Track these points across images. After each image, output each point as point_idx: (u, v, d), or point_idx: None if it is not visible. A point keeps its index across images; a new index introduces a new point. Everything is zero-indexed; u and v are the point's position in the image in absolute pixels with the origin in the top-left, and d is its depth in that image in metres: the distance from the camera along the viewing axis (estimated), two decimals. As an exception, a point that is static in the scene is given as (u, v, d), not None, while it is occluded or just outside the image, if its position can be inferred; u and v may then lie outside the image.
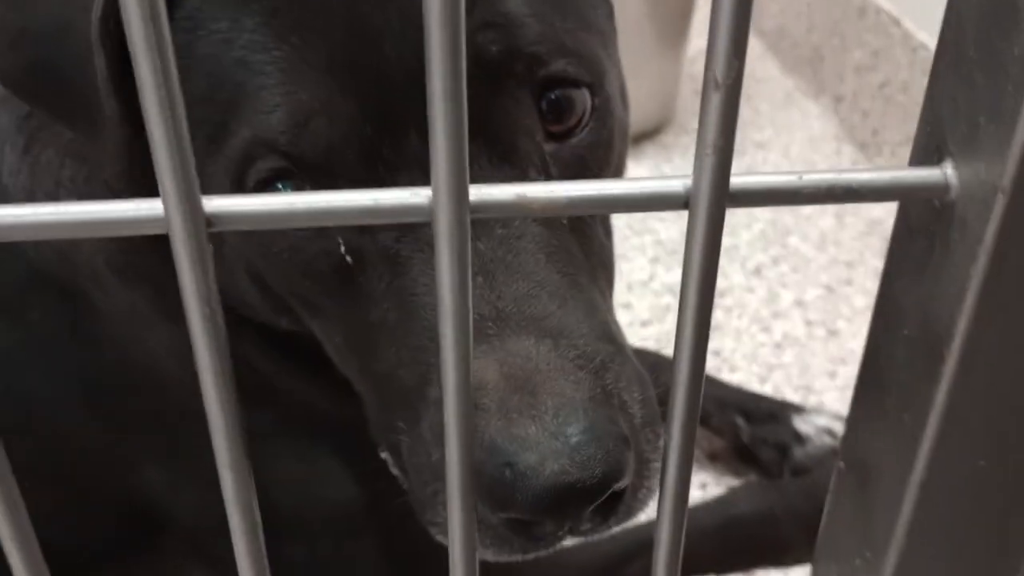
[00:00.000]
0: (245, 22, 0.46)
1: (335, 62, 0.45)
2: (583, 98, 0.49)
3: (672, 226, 1.25)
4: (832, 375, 1.02)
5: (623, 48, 0.58)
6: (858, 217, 1.26)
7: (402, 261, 0.47)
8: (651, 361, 0.93)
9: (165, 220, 0.26)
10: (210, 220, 0.27)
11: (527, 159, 0.48)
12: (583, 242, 0.51)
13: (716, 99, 0.24)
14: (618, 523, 0.46)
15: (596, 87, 0.50)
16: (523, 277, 0.46)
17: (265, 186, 0.46)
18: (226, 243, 0.52)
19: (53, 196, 0.58)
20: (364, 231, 0.48)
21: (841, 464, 0.37)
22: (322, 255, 0.49)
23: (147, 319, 0.60)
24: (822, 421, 0.88)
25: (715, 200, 0.27)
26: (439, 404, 0.47)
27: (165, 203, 0.26)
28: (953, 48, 0.27)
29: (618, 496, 0.44)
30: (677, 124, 1.47)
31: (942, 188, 0.28)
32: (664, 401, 0.32)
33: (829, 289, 1.15)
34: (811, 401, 0.97)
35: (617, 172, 0.55)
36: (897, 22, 1.32)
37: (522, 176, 0.48)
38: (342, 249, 0.48)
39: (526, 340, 0.45)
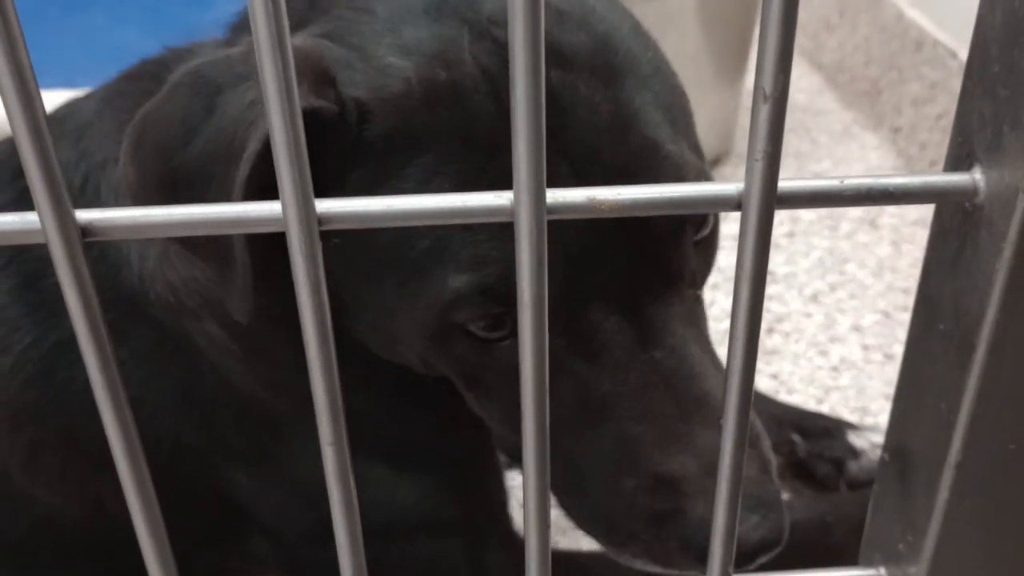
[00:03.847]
0: (440, 177, 0.51)
1: None
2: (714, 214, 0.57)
3: (731, 254, 1.28)
4: (888, 398, 1.03)
5: (682, 80, 0.62)
6: (915, 244, 1.27)
7: (594, 377, 0.55)
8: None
9: (283, 220, 0.30)
10: (321, 219, 0.31)
11: (687, 279, 0.56)
12: (704, 325, 0.59)
13: (765, 110, 0.28)
14: None
15: None
16: (694, 379, 0.55)
17: (477, 320, 0.53)
18: (401, 331, 0.57)
19: (144, 258, 0.63)
20: (561, 345, 0.54)
21: (885, 455, 0.40)
22: (512, 359, 0.54)
23: (244, 360, 0.64)
24: (876, 437, 0.90)
25: (765, 201, 0.30)
26: (641, 489, 0.55)
27: (284, 204, 0.30)
28: (980, 65, 0.30)
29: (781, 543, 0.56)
30: (736, 155, 1.50)
31: (971, 191, 0.31)
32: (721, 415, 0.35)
33: (886, 315, 1.16)
34: (867, 423, 0.99)
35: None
36: (954, 54, 1.34)
37: (680, 295, 0.56)
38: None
39: (708, 433, 0.54)
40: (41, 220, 0.29)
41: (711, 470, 0.53)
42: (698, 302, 0.58)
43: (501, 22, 0.53)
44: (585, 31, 0.54)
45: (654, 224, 0.53)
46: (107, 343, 0.31)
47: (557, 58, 0.52)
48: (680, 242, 0.55)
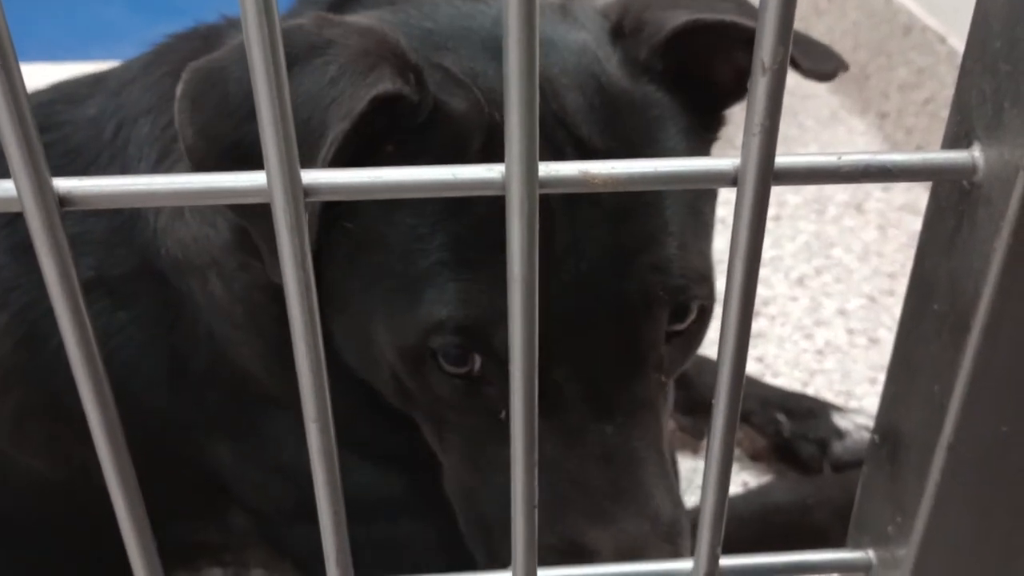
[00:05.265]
0: (458, 212, 0.52)
1: None
2: (697, 308, 0.58)
3: (719, 236, 1.27)
4: (873, 381, 1.03)
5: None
6: (901, 229, 1.27)
7: (545, 432, 0.54)
8: (696, 363, 0.96)
9: (268, 190, 0.30)
10: (307, 190, 0.30)
11: (652, 363, 0.56)
12: (665, 410, 0.59)
13: (763, 82, 0.27)
14: None
15: (708, 298, 0.58)
16: (634, 464, 0.56)
17: (447, 349, 0.54)
18: (383, 356, 0.57)
19: (178, 214, 0.62)
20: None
21: (875, 437, 0.39)
22: (477, 403, 0.56)
23: (242, 328, 0.64)
24: (861, 419, 0.90)
25: (761, 177, 0.30)
26: (549, 548, 0.56)
27: (269, 174, 0.29)
28: (980, 40, 0.30)
29: None
30: (725, 138, 1.49)
31: (970, 169, 0.30)
32: (709, 396, 0.35)
33: (871, 299, 1.16)
34: (851, 406, 0.99)
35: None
36: (943, 39, 1.34)
37: (646, 377, 0.56)
38: (502, 410, 0.55)
39: (633, 520, 0.55)
40: (17, 188, 0.28)
41: (623, 556, 0.54)
42: (662, 389, 0.58)
43: (557, 87, 0.54)
44: (611, 128, 0.54)
45: (629, 299, 0.54)
46: (85, 316, 0.31)
47: (576, 143, 0.53)
48: (652, 324, 0.55)
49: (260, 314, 0.63)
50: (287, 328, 0.31)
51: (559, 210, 0.52)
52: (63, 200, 0.29)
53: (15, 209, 0.29)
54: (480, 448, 0.58)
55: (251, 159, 0.50)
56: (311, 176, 0.30)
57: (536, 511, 0.36)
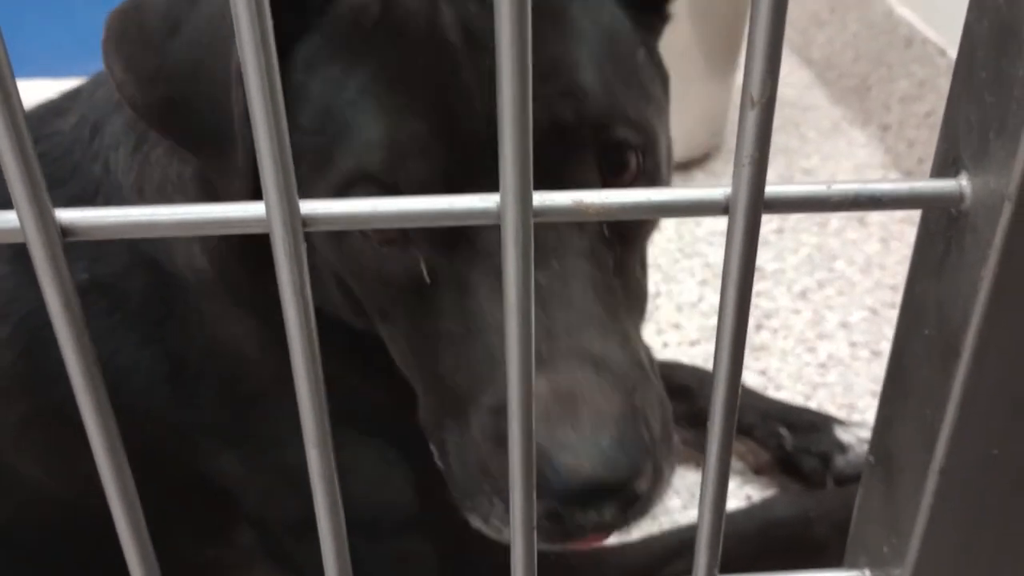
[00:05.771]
0: (357, 71, 0.52)
1: (432, 112, 0.51)
2: (636, 160, 0.56)
3: (720, 250, 1.28)
4: (875, 394, 1.04)
5: (673, 75, 0.63)
6: (903, 242, 1.28)
7: (472, 285, 0.53)
8: (698, 376, 0.96)
9: (267, 221, 0.30)
10: (305, 221, 0.31)
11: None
12: (623, 280, 0.57)
13: (752, 115, 0.28)
14: (634, 519, 0.53)
15: (648, 151, 0.56)
16: (573, 309, 0.53)
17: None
18: (317, 251, 0.57)
19: (162, 191, 0.64)
20: (444, 254, 0.53)
21: (871, 458, 0.40)
22: (403, 271, 0.55)
23: (234, 302, 0.65)
24: (863, 432, 0.91)
25: (752, 206, 0.30)
26: (491, 409, 0.52)
27: (268, 205, 0.30)
28: (967, 71, 0.30)
29: (636, 496, 0.51)
30: (726, 150, 1.50)
31: (957, 198, 0.31)
32: (707, 410, 0.35)
33: (874, 312, 1.17)
34: (854, 419, 0.99)
35: (654, 225, 0.62)
36: (943, 52, 1.34)
37: (578, 226, 0.54)
38: (423, 269, 0.54)
39: (572, 363, 0.51)
40: (20, 220, 0.29)
41: (562, 400, 0.50)
42: (609, 247, 0.55)
43: None
44: None
45: (540, 128, 0.51)
46: (89, 346, 0.31)
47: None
48: (575, 159, 0.53)
49: (236, 278, 0.63)
50: (268, 294, 0.31)
51: (461, 47, 0.52)
52: (65, 231, 0.30)
53: (18, 240, 0.30)
54: (419, 324, 0.56)
55: (177, 78, 0.52)
56: (309, 207, 0.31)
57: (535, 532, 0.36)
